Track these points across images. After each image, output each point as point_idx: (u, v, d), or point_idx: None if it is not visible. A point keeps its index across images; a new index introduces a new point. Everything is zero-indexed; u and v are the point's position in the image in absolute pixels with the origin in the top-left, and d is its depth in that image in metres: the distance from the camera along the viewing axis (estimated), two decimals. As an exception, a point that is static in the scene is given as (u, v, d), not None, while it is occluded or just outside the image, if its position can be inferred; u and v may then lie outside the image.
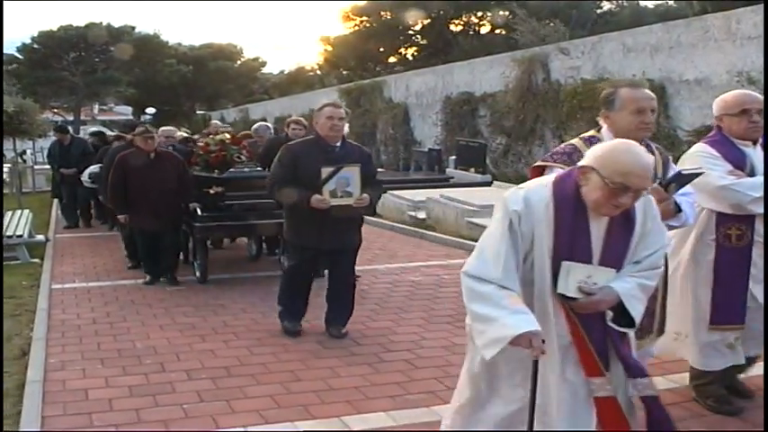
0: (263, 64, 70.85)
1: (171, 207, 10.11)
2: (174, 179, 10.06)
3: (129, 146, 10.93)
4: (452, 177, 19.70)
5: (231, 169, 10.34)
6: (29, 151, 34.77)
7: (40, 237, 13.62)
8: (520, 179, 20.34)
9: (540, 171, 4.50)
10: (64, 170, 16.61)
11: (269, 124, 13.69)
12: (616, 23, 38.03)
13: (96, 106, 70.82)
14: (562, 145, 4.71)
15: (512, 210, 3.65)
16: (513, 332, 3.44)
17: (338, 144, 7.26)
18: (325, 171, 6.99)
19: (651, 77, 16.27)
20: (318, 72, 61.20)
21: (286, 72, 72.91)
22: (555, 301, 3.68)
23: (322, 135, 7.18)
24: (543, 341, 3.47)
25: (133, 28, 59.36)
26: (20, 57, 56.45)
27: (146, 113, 59.25)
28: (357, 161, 7.23)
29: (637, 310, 3.71)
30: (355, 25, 52.01)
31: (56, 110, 59.80)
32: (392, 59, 53.05)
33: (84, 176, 14.39)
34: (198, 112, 64.00)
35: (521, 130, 20.27)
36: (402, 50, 52.79)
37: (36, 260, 11.86)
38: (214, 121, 17.11)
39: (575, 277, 3.63)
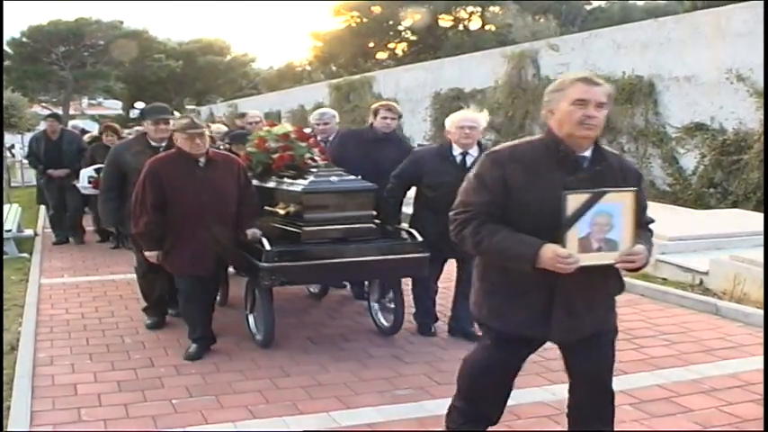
0: (253, 59, 70.74)
1: (230, 239, 6.88)
2: (235, 196, 6.85)
3: (144, 142, 7.78)
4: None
5: (311, 178, 7.03)
6: (17, 145, 34.68)
7: (29, 231, 13.59)
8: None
9: None
10: (52, 171, 13.30)
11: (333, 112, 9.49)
12: (606, 20, 38.09)
13: (85, 100, 70.58)
14: None
15: None
16: None
17: (588, 153, 3.94)
18: (575, 201, 3.71)
19: (641, 74, 16.28)
20: (308, 68, 61.12)
21: (275, 68, 72.83)
22: None
23: (561, 135, 3.89)
24: None
25: (122, 23, 59.23)
26: (9, 51, 56.23)
27: (135, 108, 59.13)
28: (622, 184, 3.93)
29: None
30: (346, 21, 52.09)
31: (44, 104, 59.64)
32: (382, 55, 53.13)
33: (82, 181, 11.56)
34: (187, 107, 63.87)
35: (510, 126, 20.25)
36: (392, 46, 52.86)
37: (24, 255, 11.83)
38: (254, 111, 12.15)
39: None
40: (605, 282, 4.04)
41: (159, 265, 6.86)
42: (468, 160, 6.78)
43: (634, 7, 44.91)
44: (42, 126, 15.96)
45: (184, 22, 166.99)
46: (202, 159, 6.68)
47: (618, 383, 5.78)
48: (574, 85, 3.91)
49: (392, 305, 7.31)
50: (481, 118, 6.92)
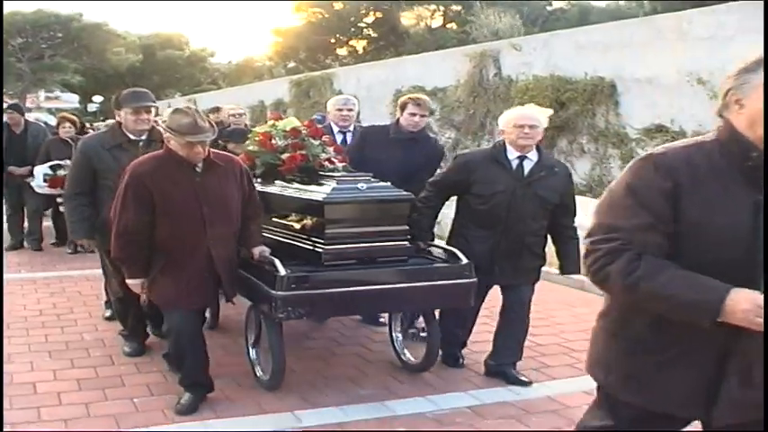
0: (212, 54, 70.40)
1: (233, 263, 5.53)
2: (239, 207, 5.46)
3: (121, 135, 6.28)
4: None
5: (334, 185, 5.59)
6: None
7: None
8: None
9: None
10: (14, 168, 11.39)
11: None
12: (566, 20, 38.38)
13: (42, 93, 69.88)
14: None
15: None
16: None
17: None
18: None
19: (602, 75, 16.40)
20: (268, 63, 60.96)
21: (234, 63, 72.60)
22: None
23: (752, 136, 2.64)
24: None
25: (81, 15, 58.71)
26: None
27: (93, 102, 58.63)
28: None
29: None
30: (307, 16, 52.05)
31: (0, 96, 59.09)
32: (343, 51, 53.15)
33: (38, 179, 10.43)
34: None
35: (470, 125, 20.31)
36: (353, 43, 52.90)
37: (-21, 249, 11.64)
38: (230, 105, 10.49)
39: None
40: None
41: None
42: (527, 166, 5.74)
43: (594, 9, 45.27)
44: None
45: (144, 14, 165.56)
46: (200, 163, 5.25)
47: (582, 384, 5.70)
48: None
49: (423, 336, 6.25)
50: (542, 115, 5.81)
